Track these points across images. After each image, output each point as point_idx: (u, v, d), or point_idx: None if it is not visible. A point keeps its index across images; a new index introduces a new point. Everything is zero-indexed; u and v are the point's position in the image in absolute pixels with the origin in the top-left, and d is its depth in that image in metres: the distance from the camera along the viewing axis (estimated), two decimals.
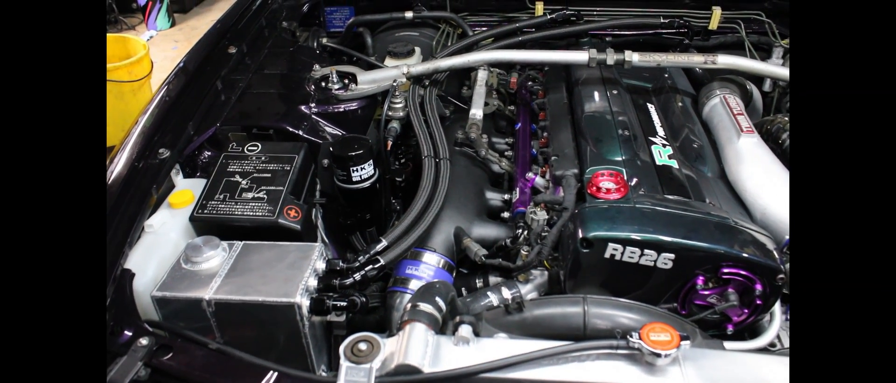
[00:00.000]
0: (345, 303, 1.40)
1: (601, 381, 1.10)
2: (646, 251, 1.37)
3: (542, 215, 1.56)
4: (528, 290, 1.55)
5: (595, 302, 1.29)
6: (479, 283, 1.65)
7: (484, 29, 2.50)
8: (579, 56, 1.99)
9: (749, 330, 1.50)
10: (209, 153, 1.93)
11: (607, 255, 1.39)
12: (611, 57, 1.95)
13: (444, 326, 1.26)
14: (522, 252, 1.57)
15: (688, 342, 1.11)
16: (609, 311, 1.28)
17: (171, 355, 1.25)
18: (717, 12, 2.45)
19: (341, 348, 1.15)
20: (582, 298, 1.30)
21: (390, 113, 1.97)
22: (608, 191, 1.52)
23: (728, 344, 1.39)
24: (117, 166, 1.66)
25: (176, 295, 1.36)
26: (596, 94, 1.97)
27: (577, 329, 1.27)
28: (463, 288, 1.66)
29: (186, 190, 1.69)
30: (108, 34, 4.69)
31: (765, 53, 2.41)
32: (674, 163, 1.66)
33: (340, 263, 1.47)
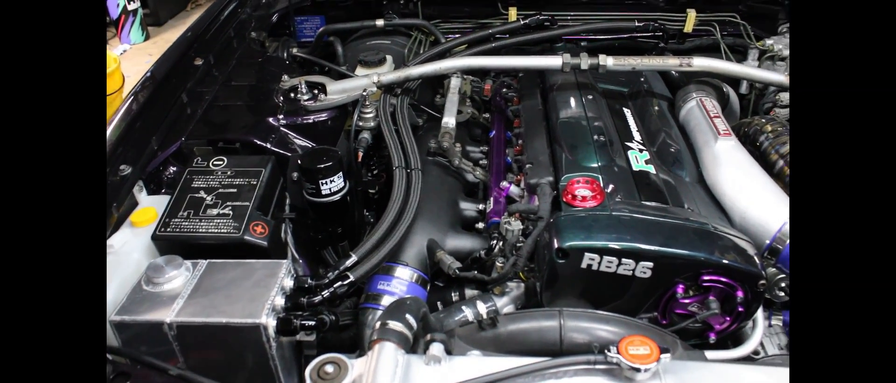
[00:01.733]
0: (313, 323, 1.34)
1: None
2: (623, 260, 1.33)
3: (516, 225, 1.52)
4: (504, 303, 1.50)
5: (571, 315, 1.24)
6: (454, 296, 1.61)
7: (457, 36, 2.46)
8: (553, 61, 1.95)
9: (732, 338, 1.47)
10: (174, 168, 1.87)
11: (584, 265, 1.35)
12: (585, 61, 1.91)
13: (415, 344, 1.21)
14: (497, 264, 1.52)
15: (668, 354, 1.06)
16: (586, 324, 1.24)
17: None
18: (691, 15, 2.43)
19: (307, 370, 1.10)
20: (557, 312, 1.25)
21: (361, 123, 1.92)
22: (584, 198, 1.48)
23: (710, 354, 1.36)
24: None
25: (135, 319, 1.30)
26: (571, 100, 1.94)
27: (554, 344, 1.22)
28: (439, 302, 1.61)
29: (149, 207, 1.63)
30: None
31: (740, 55, 2.39)
32: (651, 169, 1.62)
33: (309, 280, 1.41)
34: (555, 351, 1.21)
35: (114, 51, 5.81)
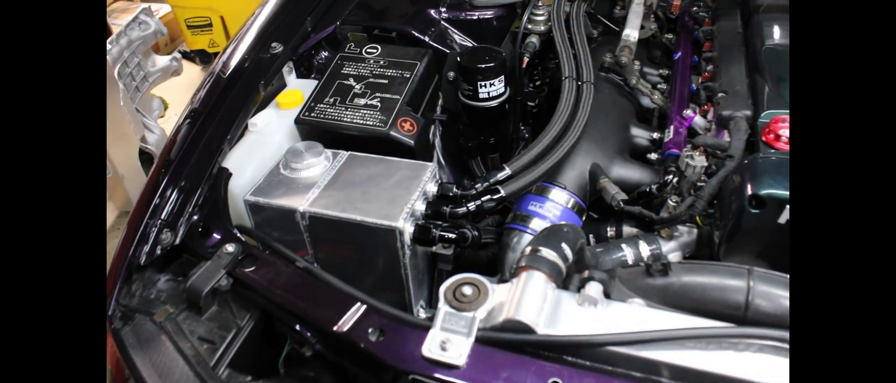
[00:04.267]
0: (454, 235, 1.21)
1: (763, 381, 0.85)
2: None
3: (700, 161, 1.29)
4: (670, 248, 1.29)
5: (763, 277, 1.01)
6: (610, 232, 1.41)
7: None
8: None
9: None
10: (326, 54, 1.78)
11: (782, 221, 1.11)
12: None
13: (567, 280, 1.04)
14: (670, 202, 1.30)
15: None
16: (781, 292, 1.00)
17: (255, 268, 1.12)
18: None
19: (441, 289, 0.97)
20: (747, 271, 1.02)
21: (530, 26, 1.72)
22: (790, 141, 1.22)
23: None
24: (226, 58, 1.55)
25: (269, 203, 1.24)
26: (780, 26, 1.62)
27: (736, 308, 1.00)
28: (591, 236, 1.42)
29: (296, 90, 1.56)
30: None
31: None
32: None
33: (455, 189, 1.28)
34: (736, 316, 1.00)
35: None
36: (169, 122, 3.79)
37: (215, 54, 4.39)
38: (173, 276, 1.21)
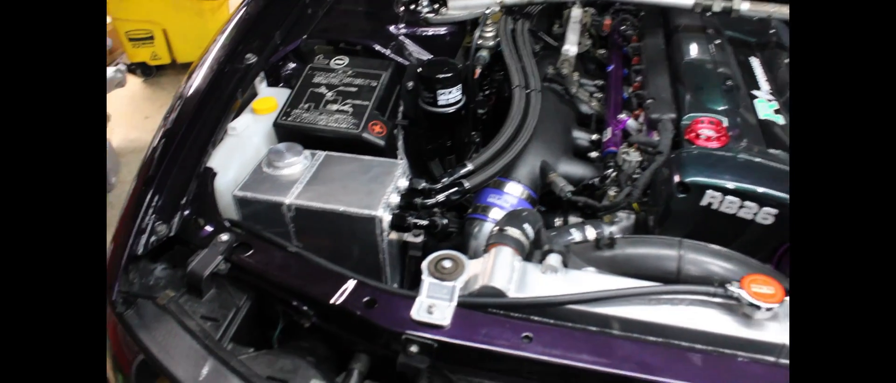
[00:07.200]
0: (426, 222, 1.37)
1: (693, 327, 1.05)
2: (746, 202, 1.30)
3: (635, 156, 1.49)
4: (612, 232, 1.49)
5: (691, 247, 1.22)
6: (557, 222, 1.60)
7: None
8: (683, 0, 1.87)
9: None
10: (293, 65, 1.90)
11: (704, 203, 1.32)
12: (718, 3, 1.83)
13: (528, 256, 1.22)
14: (610, 192, 1.50)
15: None
16: (706, 258, 1.21)
17: (251, 253, 1.24)
18: None
19: (424, 263, 1.12)
20: (678, 241, 1.23)
21: (480, 41, 1.90)
22: (708, 138, 1.44)
23: None
24: (203, 69, 1.65)
25: (257, 197, 1.36)
26: (697, 43, 1.86)
27: (670, 273, 1.21)
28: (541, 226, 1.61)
29: (270, 97, 1.68)
30: None
31: None
32: (779, 119, 1.56)
33: (423, 183, 1.44)
34: (670, 280, 1.20)
35: None
36: (111, 134, 3.79)
37: (157, 67, 4.41)
38: (168, 265, 1.32)
